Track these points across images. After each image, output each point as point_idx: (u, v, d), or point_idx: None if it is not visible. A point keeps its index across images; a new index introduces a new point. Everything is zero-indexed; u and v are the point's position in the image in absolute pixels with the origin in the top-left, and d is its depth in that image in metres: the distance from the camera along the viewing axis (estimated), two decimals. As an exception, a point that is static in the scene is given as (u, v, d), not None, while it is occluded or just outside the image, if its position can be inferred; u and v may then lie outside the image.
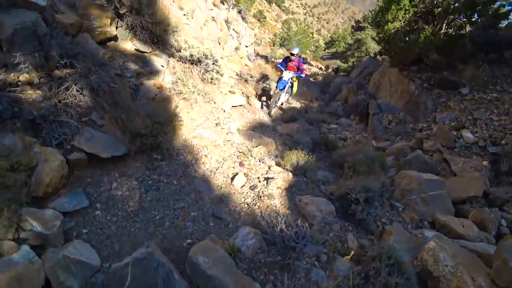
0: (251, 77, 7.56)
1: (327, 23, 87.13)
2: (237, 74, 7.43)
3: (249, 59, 8.54)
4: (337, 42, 33.29)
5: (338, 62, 24.71)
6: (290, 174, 4.44)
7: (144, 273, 2.34)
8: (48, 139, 3.12)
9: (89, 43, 4.15)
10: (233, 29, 7.84)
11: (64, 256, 2.35)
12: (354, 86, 11.16)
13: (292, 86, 7.85)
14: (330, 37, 40.17)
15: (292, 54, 7.53)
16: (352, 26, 35.13)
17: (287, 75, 7.38)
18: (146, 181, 3.54)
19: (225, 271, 2.61)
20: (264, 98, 8.20)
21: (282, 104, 8.27)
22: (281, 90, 7.40)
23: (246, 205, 3.74)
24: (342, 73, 19.67)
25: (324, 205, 3.89)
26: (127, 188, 3.34)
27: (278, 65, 7.89)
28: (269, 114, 7.42)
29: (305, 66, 8.84)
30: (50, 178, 2.77)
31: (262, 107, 7.72)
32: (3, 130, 2.94)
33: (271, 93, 7.90)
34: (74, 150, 3.20)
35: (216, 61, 5.85)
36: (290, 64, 7.62)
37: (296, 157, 4.80)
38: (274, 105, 7.47)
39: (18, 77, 3.33)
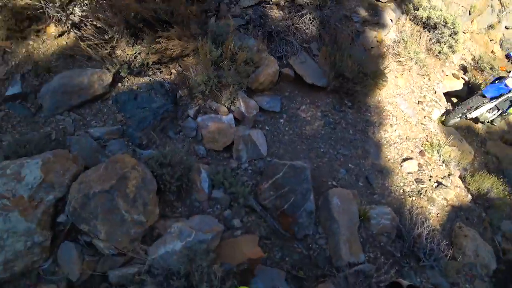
0: (491, 68, 6.02)
1: None
2: (473, 59, 6.09)
3: (501, 45, 6.73)
4: None
5: None
6: (469, 197, 3.84)
7: (293, 177, 2.81)
8: (273, 51, 3.87)
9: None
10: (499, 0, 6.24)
11: (248, 134, 3.09)
12: None
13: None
14: None
15: None
16: None
17: None
18: (328, 117, 3.86)
19: (347, 225, 2.77)
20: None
21: (481, 119, 5.07)
22: (489, 98, 4.47)
23: (401, 191, 3.58)
24: None
25: (485, 255, 3.26)
26: (311, 115, 3.78)
27: (510, 54, 5.29)
28: (443, 121, 4.76)
29: None
30: (264, 79, 3.52)
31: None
32: (250, 34, 3.84)
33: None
34: (287, 66, 3.85)
35: (455, 34, 5.06)
36: None
37: (491, 185, 3.97)
38: (459, 114, 4.65)
39: (270, -4, 4.14)
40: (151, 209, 2.09)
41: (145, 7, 3.04)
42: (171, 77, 3.32)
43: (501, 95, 4.43)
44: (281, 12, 4.10)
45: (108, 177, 2.04)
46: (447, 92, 5.26)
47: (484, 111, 4.68)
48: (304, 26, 4.05)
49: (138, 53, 3.19)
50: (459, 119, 4.79)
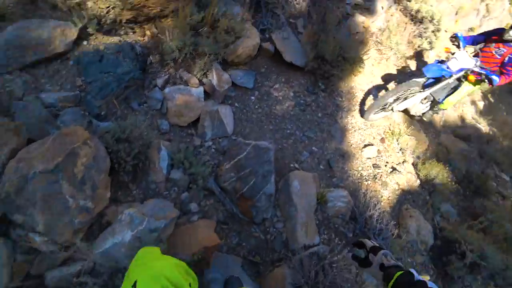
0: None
1: None
2: (447, 58, 6.00)
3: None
4: None
5: None
6: (418, 182, 3.95)
7: (256, 157, 2.62)
8: (258, 22, 3.46)
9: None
10: (486, 4, 5.96)
11: (217, 110, 2.82)
12: None
13: (453, 90, 3.76)
14: None
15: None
16: None
17: (460, 59, 3.35)
18: (300, 98, 3.65)
19: (305, 208, 2.70)
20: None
21: (416, 114, 4.33)
22: (424, 84, 3.61)
23: (359, 175, 3.57)
24: None
25: (425, 233, 3.45)
26: (283, 94, 3.54)
27: (457, 35, 3.58)
28: (362, 115, 4.05)
29: None
30: (242, 52, 3.15)
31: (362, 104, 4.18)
32: (237, 0, 3.35)
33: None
34: (269, 40, 3.48)
35: (438, 31, 4.84)
36: (488, 49, 3.59)
37: (437, 172, 4.07)
38: (381, 106, 3.77)
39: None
40: (101, 193, 1.83)
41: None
42: (144, 39, 2.85)
43: (439, 79, 3.52)
44: (272, -20, 3.59)
45: (55, 153, 1.73)
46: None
47: (417, 101, 3.84)
48: (295, 0, 3.61)
49: (112, 7, 2.62)
50: (383, 112, 3.95)
